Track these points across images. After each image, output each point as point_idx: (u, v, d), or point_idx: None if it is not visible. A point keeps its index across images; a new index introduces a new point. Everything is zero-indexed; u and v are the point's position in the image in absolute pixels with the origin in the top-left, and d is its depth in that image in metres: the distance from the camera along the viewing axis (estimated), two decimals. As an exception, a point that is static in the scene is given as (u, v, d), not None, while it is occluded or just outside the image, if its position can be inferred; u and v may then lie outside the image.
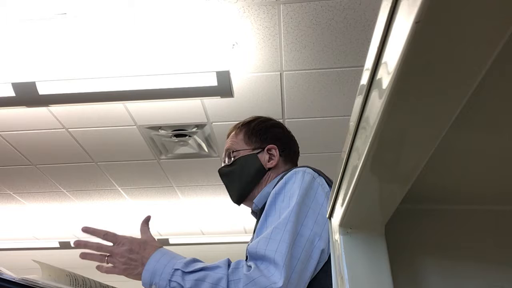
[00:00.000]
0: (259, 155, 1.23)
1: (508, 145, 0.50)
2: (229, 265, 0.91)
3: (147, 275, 0.94)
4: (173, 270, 0.91)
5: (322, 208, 0.97)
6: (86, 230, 1.06)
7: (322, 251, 0.92)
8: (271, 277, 0.84)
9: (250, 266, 0.89)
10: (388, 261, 0.55)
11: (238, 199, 1.25)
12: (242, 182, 1.22)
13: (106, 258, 1.01)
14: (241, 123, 1.31)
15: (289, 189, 1.00)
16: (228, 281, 0.86)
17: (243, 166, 1.22)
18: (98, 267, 1.02)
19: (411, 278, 0.59)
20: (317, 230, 0.94)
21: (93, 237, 1.05)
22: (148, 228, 1.10)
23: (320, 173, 1.09)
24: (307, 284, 0.92)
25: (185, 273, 0.90)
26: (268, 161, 1.22)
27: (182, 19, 2.13)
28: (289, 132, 1.33)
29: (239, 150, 1.25)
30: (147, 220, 1.12)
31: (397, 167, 0.45)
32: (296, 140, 1.33)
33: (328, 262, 0.93)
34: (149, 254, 0.97)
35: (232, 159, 1.25)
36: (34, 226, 4.94)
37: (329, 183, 1.05)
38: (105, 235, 1.04)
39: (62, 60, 2.40)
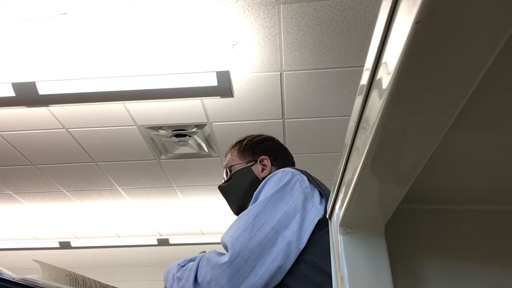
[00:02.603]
0: (252, 167, 1.31)
1: (508, 145, 0.50)
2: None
3: (165, 273, 1.13)
4: (177, 265, 1.08)
5: (296, 201, 1.02)
6: None
7: (290, 242, 0.96)
8: (222, 256, 0.96)
9: (214, 251, 1.01)
10: (388, 261, 0.55)
11: (238, 210, 1.31)
12: (239, 194, 1.30)
13: None
14: (235, 142, 1.41)
15: (266, 188, 1.07)
16: (198, 266, 1.00)
17: (238, 179, 1.31)
18: None
19: (411, 278, 0.59)
20: (286, 221, 0.99)
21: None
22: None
23: (302, 172, 1.13)
24: (281, 272, 0.95)
25: (181, 267, 1.06)
26: (261, 172, 1.30)
27: (182, 19, 2.13)
28: (281, 145, 1.42)
29: (234, 165, 1.34)
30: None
31: (397, 167, 0.45)
32: (289, 152, 1.41)
33: (308, 253, 0.97)
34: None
35: (229, 174, 1.35)
36: (34, 226, 4.94)
37: (312, 181, 1.09)
38: None
39: (62, 60, 2.40)
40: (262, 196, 1.05)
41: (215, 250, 1.01)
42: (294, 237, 0.97)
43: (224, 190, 1.36)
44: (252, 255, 0.93)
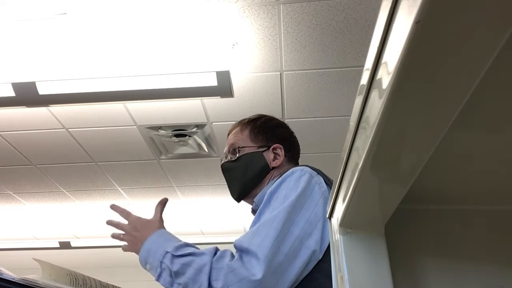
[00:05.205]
0: (264, 153, 1.23)
1: (508, 145, 0.50)
2: (215, 253, 0.94)
3: (143, 254, 1.03)
4: (164, 252, 0.97)
5: (317, 207, 0.96)
6: (113, 207, 1.18)
7: (313, 251, 0.92)
8: (251, 269, 0.86)
9: (233, 257, 0.91)
10: (388, 261, 0.55)
11: (239, 195, 1.25)
12: (245, 179, 1.22)
13: (121, 236, 1.12)
14: (246, 120, 1.31)
15: (284, 188, 1.00)
16: (211, 268, 0.89)
17: (247, 163, 1.22)
18: (122, 247, 1.13)
19: (411, 278, 0.59)
20: (308, 229, 0.93)
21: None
22: (161, 210, 1.18)
23: (319, 172, 1.08)
24: (297, 281, 0.92)
25: (174, 256, 0.95)
26: (273, 160, 1.22)
27: (182, 19, 2.13)
28: (292, 133, 1.34)
29: (244, 147, 1.24)
30: (163, 202, 1.21)
31: (397, 167, 0.45)
32: (298, 141, 1.35)
33: (324, 261, 0.93)
34: (148, 234, 1.06)
35: (237, 155, 1.24)
36: (34, 226, 4.94)
37: (328, 182, 1.05)
38: (121, 212, 1.16)
39: (62, 60, 2.40)
40: (280, 198, 0.98)
41: (230, 252, 0.94)
42: (317, 246, 0.92)
43: (228, 170, 1.27)
44: (280, 268, 0.88)
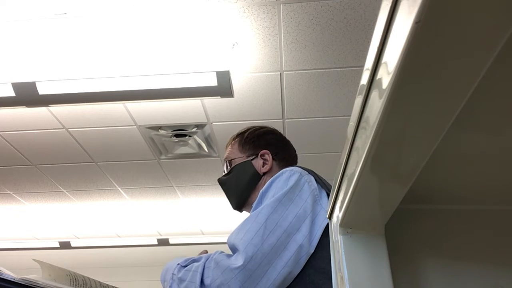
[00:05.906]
0: (253, 162, 1.28)
1: (508, 145, 0.50)
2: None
3: (163, 272, 1.10)
4: (176, 265, 1.05)
5: (306, 203, 0.99)
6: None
7: (301, 246, 0.94)
8: (233, 260, 0.92)
9: (222, 253, 0.97)
10: (388, 261, 0.55)
11: (237, 205, 1.30)
12: (239, 189, 1.27)
13: None
14: (236, 134, 1.37)
15: (274, 187, 1.04)
16: (204, 268, 0.96)
17: (238, 173, 1.28)
18: None
19: (411, 278, 0.59)
20: (297, 224, 0.96)
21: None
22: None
23: (309, 171, 1.10)
24: (291, 276, 0.93)
25: (182, 266, 1.03)
26: (262, 166, 1.27)
27: (182, 19, 2.13)
28: (283, 137, 1.38)
29: (234, 159, 1.31)
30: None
31: (397, 167, 0.45)
32: (291, 144, 1.38)
33: (316, 258, 0.95)
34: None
35: (229, 167, 1.31)
36: (34, 226, 4.94)
37: (319, 181, 1.07)
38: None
39: (62, 60, 2.40)
40: (270, 197, 1.02)
41: (221, 251, 0.98)
42: (305, 241, 0.94)
43: (223, 183, 1.33)
44: (265, 259, 0.90)
